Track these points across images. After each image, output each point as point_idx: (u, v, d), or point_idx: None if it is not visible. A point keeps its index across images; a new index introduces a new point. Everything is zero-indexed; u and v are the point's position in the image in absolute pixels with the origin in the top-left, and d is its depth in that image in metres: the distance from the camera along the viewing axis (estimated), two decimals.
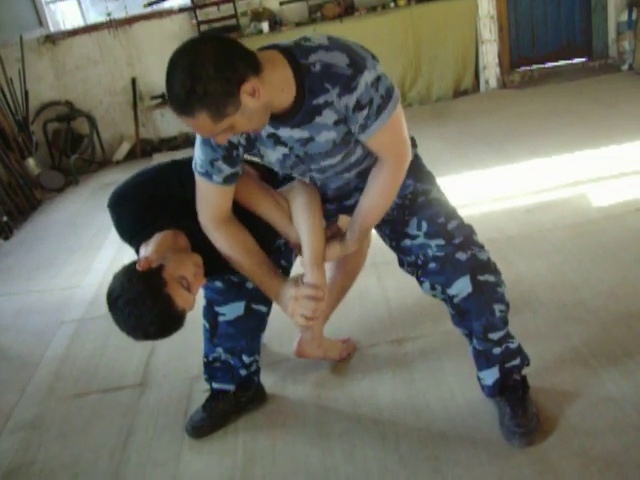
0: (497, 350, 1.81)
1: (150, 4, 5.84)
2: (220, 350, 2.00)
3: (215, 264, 1.79)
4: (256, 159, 1.78)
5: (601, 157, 3.73)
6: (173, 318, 1.63)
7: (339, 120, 1.53)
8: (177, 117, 1.39)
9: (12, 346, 2.94)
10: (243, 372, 2.05)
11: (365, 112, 1.50)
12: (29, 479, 2.06)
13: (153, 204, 1.79)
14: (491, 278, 1.73)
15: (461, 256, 1.71)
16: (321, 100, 1.48)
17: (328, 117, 1.52)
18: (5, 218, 4.51)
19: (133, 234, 1.79)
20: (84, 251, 3.90)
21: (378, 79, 1.49)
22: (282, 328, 2.40)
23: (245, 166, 1.79)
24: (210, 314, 1.97)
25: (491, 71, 5.86)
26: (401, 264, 1.86)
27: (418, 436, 1.90)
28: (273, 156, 1.66)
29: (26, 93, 5.59)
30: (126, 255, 3.21)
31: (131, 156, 6.07)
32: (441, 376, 2.14)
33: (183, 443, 2.07)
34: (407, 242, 1.78)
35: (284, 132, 1.57)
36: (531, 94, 5.53)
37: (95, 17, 6.10)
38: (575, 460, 1.70)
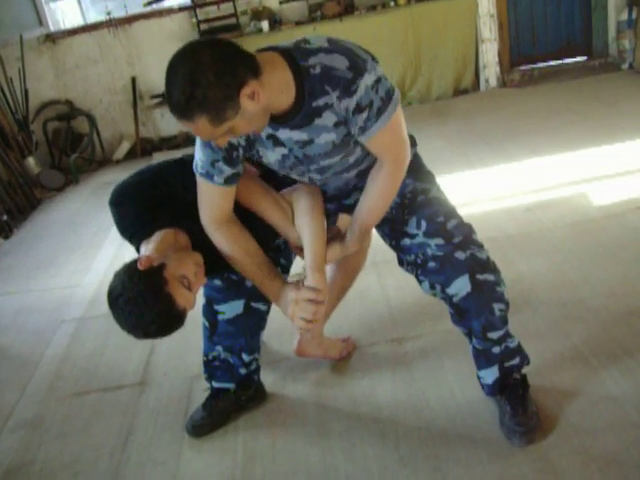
0: (496, 349, 1.81)
1: (150, 3, 5.84)
2: (219, 349, 2.00)
3: (216, 263, 1.79)
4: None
5: (601, 156, 3.73)
6: (174, 317, 1.63)
7: (339, 122, 1.53)
8: (177, 121, 1.40)
9: (12, 345, 2.94)
10: (243, 371, 2.05)
11: (365, 114, 1.50)
12: (29, 478, 2.06)
13: (154, 202, 1.79)
14: (490, 277, 1.73)
15: (460, 255, 1.70)
16: (321, 102, 1.49)
17: (328, 119, 1.52)
18: (5, 217, 4.50)
19: (134, 232, 1.79)
20: (84, 250, 3.90)
21: (378, 81, 1.49)
22: (282, 327, 2.40)
23: (246, 164, 1.79)
24: (209, 312, 1.97)
25: (491, 70, 5.86)
26: (400, 263, 1.86)
27: (418, 435, 1.90)
28: (272, 157, 1.66)
29: (26, 92, 5.59)
30: (126, 254, 3.21)
31: (131, 155, 6.07)
32: (441, 375, 2.14)
33: (183, 442, 2.07)
34: (406, 241, 1.78)
35: (283, 133, 1.57)
36: (531, 93, 5.52)
37: (95, 16, 6.10)
38: (575, 459, 1.70)
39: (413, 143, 1.88)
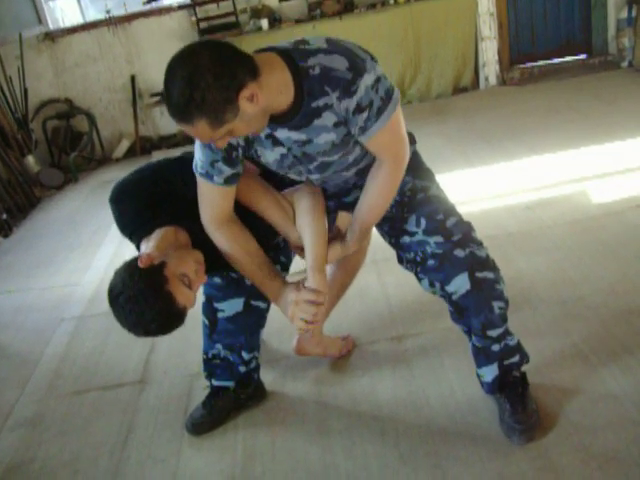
0: (496, 347, 1.81)
1: (149, 1, 5.83)
2: (219, 347, 2.00)
3: (216, 261, 1.79)
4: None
5: (601, 154, 3.73)
6: (174, 315, 1.63)
7: (339, 122, 1.53)
8: (176, 124, 1.40)
9: (12, 344, 2.94)
10: (242, 369, 2.05)
11: (365, 114, 1.50)
12: (29, 477, 2.06)
13: (154, 200, 1.79)
14: (490, 275, 1.73)
15: (459, 253, 1.70)
16: (320, 103, 1.49)
17: (328, 119, 1.52)
18: (4, 216, 4.50)
19: (134, 230, 1.79)
20: (84, 249, 3.90)
21: (378, 81, 1.49)
22: (282, 325, 2.40)
23: (246, 163, 1.78)
24: (209, 310, 1.97)
25: (491, 68, 5.86)
26: (400, 261, 1.86)
27: (418, 432, 1.90)
28: (271, 156, 1.66)
29: (25, 91, 5.59)
30: (126, 252, 3.21)
31: (130, 154, 6.07)
32: (441, 373, 2.14)
33: (183, 440, 2.07)
34: (406, 239, 1.78)
35: (282, 134, 1.57)
36: (531, 91, 5.52)
37: (94, 14, 6.10)
38: (575, 456, 1.70)
39: (412, 141, 1.88)
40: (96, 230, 4.15)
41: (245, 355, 2.02)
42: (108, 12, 5.81)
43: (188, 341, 2.51)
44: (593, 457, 1.69)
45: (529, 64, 6.05)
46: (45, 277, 3.59)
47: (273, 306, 1.96)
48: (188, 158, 1.79)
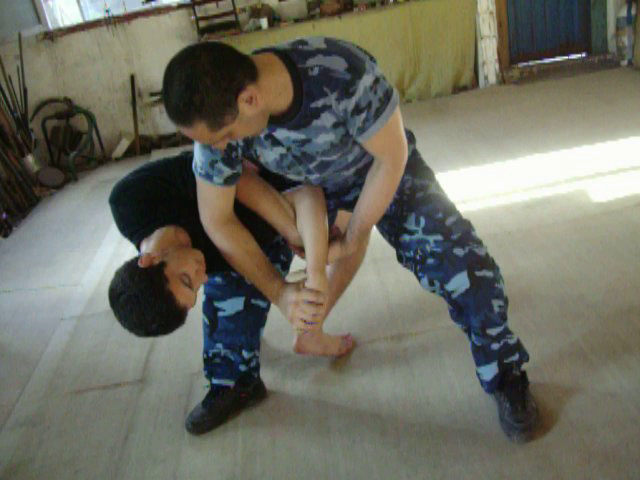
0: (495, 346, 1.81)
1: (149, 0, 5.83)
2: (220, 346, 2.00)
3: (217, 260, 1.79)
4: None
5: (600, 152, 3.74)
6: (175, 315, 1.63)
7: (338, 123, 1.53)
8: (175, 127, 1.40)
9: (11, 343, 2.94)
10: (243, 368, 2.05)
11: (364, 115, 1.50)
12: (29, 476, 2.06)
13: (154, 200, 1.79)
14: (489, 274, 1.73)
15: (459, 252, 1.70)
16: (319, 104, 1.49)
17: (327, 120, 1.52)
18: (4, 215, 4.50)
19: (134, 230, 1.79)
20: (83, 248, 3.90)
21: (377, 81, 1.49)
22: (282, 324, 2.40)
23: (245, 162, 1.79)
24: (210, 309, 1.97)
25: (490, 67, 5.86)
26: (400, 259, 1.86)
27: (418, 431, 1.90)
28: (270, 156, 1.66)
29: (25, 90, 5.58)
30: (126, 252, 3.22)
31: (130, 153, 6.06)
32: (441, 371, 2.14)
33: (183, 439, 2.07)
34: (405, 237, 1.78)
35: (281, 134, 1.57)
36: (530, 90, 5.52)
37: (94, 14, 6.10)
38: (575, 455, 1.70)
39: (412, 139, 1.89)
40: (96, 229, 4.15)
41: (245, 354, 2.02)
42: (107, 11, 5.81)
43: (188, 340, 2.51)
44: (593, 455, 1.69)
45: (529, 63, 6.05)
46: (45, 277, 3.59)
47: (273, 305, 1.96)
48: (187, 158, 1.80)
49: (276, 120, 1.52)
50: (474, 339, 1.82)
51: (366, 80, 1.46)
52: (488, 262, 1.74)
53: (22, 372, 2.64)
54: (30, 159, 5.33)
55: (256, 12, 5.70)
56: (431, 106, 5.64)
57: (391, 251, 1.91)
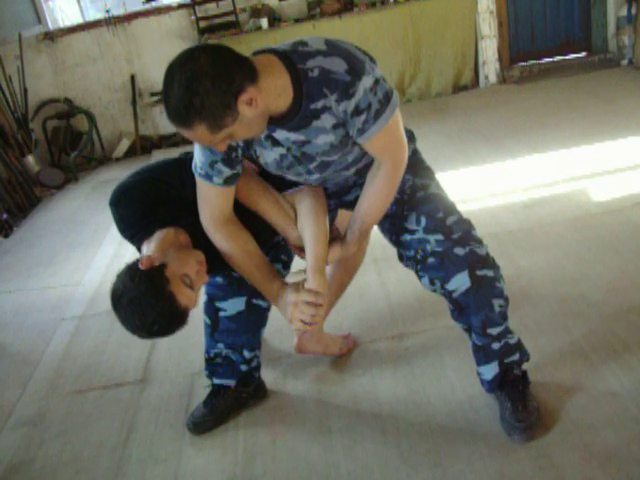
0: (496, 345, 1.81)
1: (149, 0, 5.83)
2: (221, 345, 2.01)
3: (217, 261, 1.79)
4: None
5: (601, 152, 3.73)
6: (176, 316, 1.64)
7: (338, 124, 1.53)
8: (176, 129, 1.40)
9: (13, 343, 2.95)
10: (244, 367, 2.05)
11: (363, 117, 1.50)
12: (30, 476, 2.06)
13: (154, 202, 1.79)
14: (489, 273, 1.73)
15: (459, 251, 1.70)
16: (319, 105, 1.49)
17: (326, 121, 1.52)
18: (5, 215, 4.50)
19: (134, 232, 1.80)
20: (84, 248, 3.90)
21: (377, 83, 1.49)
22: (282, 324, 2.40)
23: (245, 162, 1.79)
24: (211, 309, 1.98)
25: (490, 66, 5.86)
26: (400, 258, 1.86)
27: (419, 431, 1.90)
28: (270, 157, 1.66)
29: (25, 91, 5.59)
30: (127, 252, 3.22)
31: (130, 153, 6.07)
32: (442, 371, 2.14)
33: (184, 439, 2.07)
34: (406, 237, 1.78)
35: (280, 134, 1.57)
36: (530, 89, 5.52)
37: (94, 14, 6.10)
38: (576, 454, 1.70)
39: (412, 138, 1.89)
40: (96, 229, 4.15)
41: (247, 354, 2.02)
42: (108, 12, 5.81)
43: (189, 340, 2.51)
44: (594, 455, 1.69)
45: (529, 62, 6.05)
46: (45, 277, 3.59)
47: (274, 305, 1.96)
48: (186, 159, 1.80)
49: (276, 121, 1.52)
50: (475, 338, 1.82)
51: (366, 82, 1.46)
52: (489, 261, 1.74)
53: (23, 372, 2.64)
54: (31, 159, 5.33)
55: (256, 12, 5.70)
56: (431, 106, 5.64)
57: (392, 251, 1.91)
